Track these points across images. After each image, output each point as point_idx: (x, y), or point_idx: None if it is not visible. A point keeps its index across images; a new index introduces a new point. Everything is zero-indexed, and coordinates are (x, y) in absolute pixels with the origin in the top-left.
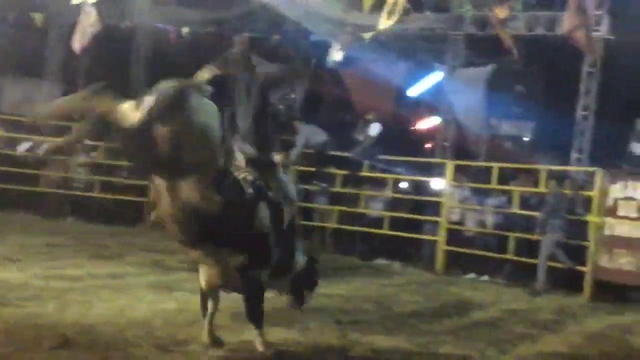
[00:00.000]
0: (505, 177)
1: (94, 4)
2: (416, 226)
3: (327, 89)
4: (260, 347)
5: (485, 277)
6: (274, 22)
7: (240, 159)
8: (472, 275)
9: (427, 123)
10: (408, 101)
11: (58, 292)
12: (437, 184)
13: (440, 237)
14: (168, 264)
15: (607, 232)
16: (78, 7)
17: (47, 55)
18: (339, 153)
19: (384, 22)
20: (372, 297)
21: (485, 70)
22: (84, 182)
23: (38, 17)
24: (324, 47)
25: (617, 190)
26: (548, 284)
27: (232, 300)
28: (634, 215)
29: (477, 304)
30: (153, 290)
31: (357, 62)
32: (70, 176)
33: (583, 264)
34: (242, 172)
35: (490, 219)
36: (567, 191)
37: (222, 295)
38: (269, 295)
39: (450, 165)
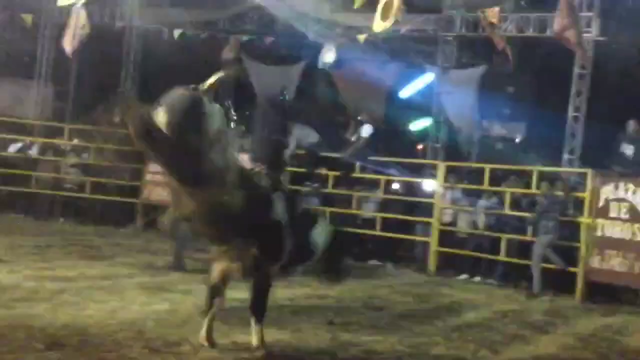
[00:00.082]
0: (497, 178)
1: (83, 6)
2: (408, 227)
3: (319, 90)
4: (256, 341)
5: (478, 278)
6: (265, 23)
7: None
8: (464, 276)
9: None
10: (400, 102)
11: (49, 293)
12: (429, 185)
13: (433, 238)
14: (159, 265)
15: (598, 233)
16: (68, 8)
17: (38, 56)
18: (330, 154)
19: (379, 24)
20: (364, 298)
21: (476, 72)
22: (75, 183)
23: (28, 19)
24: (317, 49)
25: (608, 191)
26: (544, 286)
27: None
28: (625, 216)
29: (469, 305)
30: (144, 291)
31: (349, 63)
32: (62, 177)
33: (575, 265)
34: (255, 166)
35: (482, 220)
36: (559, 193)
37: (203, 300)
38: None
39: (441, 167)
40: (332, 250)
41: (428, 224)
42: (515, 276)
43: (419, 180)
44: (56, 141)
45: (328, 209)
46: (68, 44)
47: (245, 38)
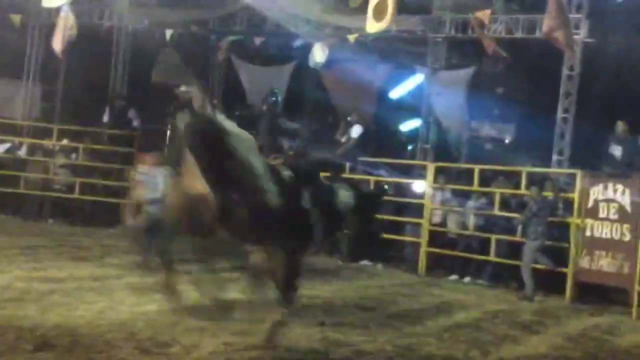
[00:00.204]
0: (487, 179)
1: (70, 6)
2: (398, 228)
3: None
4: (271, 325)
5: (467, 279)
6: (255, 23)
7: None
8: (454, 277)
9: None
10: (389, 103)
11: (39, 294)
12: (418, 186)
13: (423, 238)
14: (149, 266)
15: (588, 233)
16: (57, 8)
17: (27, 56)
18: (320, 154)
19: (373, 25)
20: (355, 298)
21: (466, 73)
22: (64, 184)
23: (17, 19)
24: (307, 49)
25: (597, 192)
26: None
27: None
28: (614, 216)
29: (459, 306)
30: (134, 292)
31: (339, 63)
32: (51, 178)
33: (564, 265)
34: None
35: (471, 221)
36: (549, 194)
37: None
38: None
39: (431, 167)
40: (360, 212)
41: (418, 224)
42: (505, 276)
43: (408, 181)
44: (45, 142)
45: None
46: (57, 44)
47: (233, 38)
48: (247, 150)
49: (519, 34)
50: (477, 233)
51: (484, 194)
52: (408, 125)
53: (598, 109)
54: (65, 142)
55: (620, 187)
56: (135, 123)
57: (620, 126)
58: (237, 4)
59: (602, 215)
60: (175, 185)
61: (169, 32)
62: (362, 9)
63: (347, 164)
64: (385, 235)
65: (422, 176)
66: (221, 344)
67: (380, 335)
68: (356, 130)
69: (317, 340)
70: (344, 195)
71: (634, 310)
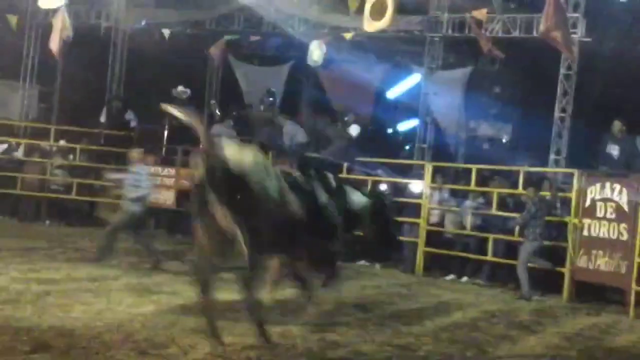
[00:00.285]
0: (484, 178)
1: (66, 7)
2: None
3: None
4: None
5: (465, 279)
6: (252, 24)
7: None
8: (451, 277)
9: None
10: (387, 103)
11: (35, 295)
12: (416, 186)
13: (420, 238)
14: (146, 267)
15: (585, 233)
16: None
17: (23, 57)
18: (317, 154)
19: (371, 24)
20: (352, 298)
21: (463, 72)
22: (61, 185)
23: (13, 20)
24: (304, 49)
25: (594, 191)
26: (532, 287)
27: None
28: (612, 216)
29: (456, 305)
30: (131, 293)
31: (336, 63)
32: (48, 179)
33: (562, 265)
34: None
35: (469, 221)
36: (547, 194)
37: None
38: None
39: (429, 167)
40: (378, 220)
41: (415, 224)
42: (502, 276)
43: (406, 180)
44: (42, 143)
45: None
46: (54, 45)
47: (228, 37)
48: (259, 174)
49: (516, 34)
50: (474, 233)
51: (482, 193)
52: (405, 125)
53: (595, 108)
54: (62, 143)
55: (617, 186)
56: (133, 124)
57: (617, 125)
58: (234, 4)
59: (599, 214)
60: (203, 227)
61: (167, 32)
62: (361, 10)
63: (345, 164)
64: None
65: (419, 176)
66: (218, 344)
67: (377, 335)
68: (353, 130)
69: (314, 341)
70: (360, 198)
71: (631, 309)
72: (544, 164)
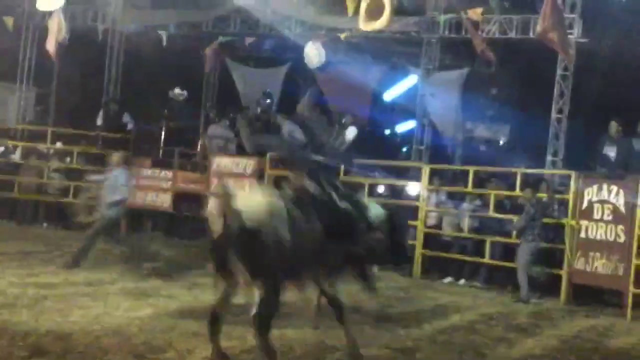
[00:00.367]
0: (481, 180)
1: (63, 9)
2: None
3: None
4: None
5: (463, 281)
6: (249, 26)
7: None
8: (449, 279)
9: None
10: (384, 104)
11: (33, 299)
12: (413, 188)
13: (417, 241)
14: (144, 271)
15: (582, 235)
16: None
17: (20, 59)
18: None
19: (368, 23)
20: (349, 301)
21: (460, 74)
22: (58, 188)
23: (10, 22)
24: (300, 51)
25: (591, 193)
26: (530, 290)
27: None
28: (609, 218)
29: (454, 308)
30: (129, 297)
31: (333, 65)
32: (45, 182)
33: (559, 267)
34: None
35: (466, 223)
36: (544, 195)
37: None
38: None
39: (426, 169)
40: (393, 231)
41: (413, 227)
42: (500, 279)
43: (403, 183)
44: (39, 145)
45: None
46: (51, 47)
47: (223, 39)
48: (274, 223)
49: (512, 35)
50: (472, 235)
51: (479, 195)
52: (403, 127)
53: (592, 109)
54: (59, 145)
55: (614, 188)
56: (130, 126)
57: (613, 127)
58: (230, 6)
59: (596, 216)
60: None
61: (164, 35)
62: (358, 11)
63: (342, 166)
64: None
65: (416, 178)
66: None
67: (375, 338)
68: (350, 132)
69: (312, 345)
70: (378, 210)
71: (629, 312)
72: (541, 165)
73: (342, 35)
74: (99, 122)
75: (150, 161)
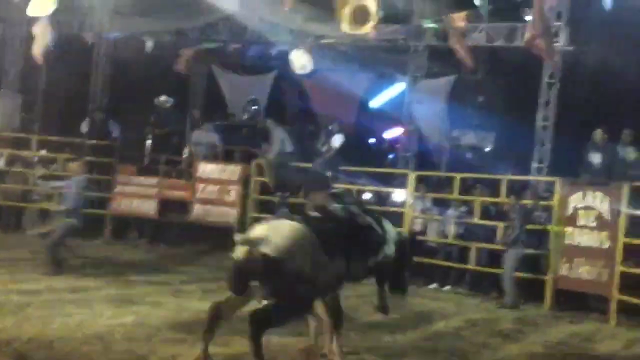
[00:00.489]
0: (467, 187)
1: (47, 16)
2: None
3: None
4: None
5: (448, 287)
6: (236, 33)
7: None
8: (434, 286)
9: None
10: (371, 112)
11: (16, 306)
12: (399, 194)
13: None
14: (128, 278)
15: (567, 241)
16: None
17: (5, 66)
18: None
19: (353, 27)
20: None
21: (447, 81)
22: (43, 195)
23: None
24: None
25: (576, 199)
26: (517, 296)
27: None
28: (593, 224)
29: (439, 314)
30: (113, 304)
31: (320, 72)
32: (30, 188)
33: (544, 273)
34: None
35: (452, 229)
36: (528, 202)
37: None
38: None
39: (412, 176)
40: (401, 257)
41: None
42: (485, 285)
43: (389, 189)
44: (24, 152)
45: None
46: (38, 52)
47: (208, 45)
48: (298, 254)
49: (499, 43)
50: (457, 242)
51: (464, 202)
52: (389, 134)
53: (577, 117)
54: (44, 152)
55: (599, 194)
56: (115, 134)
57: (598, 134)
58: (217, 13)
59: (581, 222)
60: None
61: (149, 43)
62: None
63: (329, 173)
64: None
65: (402, 184)
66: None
67: (360, 344)
68: (337, 140)
69: (296, 351)
70: (393, 233)
71: (613, 317)
72: (527, 172)
73: (328, 41)
74: (84, 129)
75: (136, 169)
